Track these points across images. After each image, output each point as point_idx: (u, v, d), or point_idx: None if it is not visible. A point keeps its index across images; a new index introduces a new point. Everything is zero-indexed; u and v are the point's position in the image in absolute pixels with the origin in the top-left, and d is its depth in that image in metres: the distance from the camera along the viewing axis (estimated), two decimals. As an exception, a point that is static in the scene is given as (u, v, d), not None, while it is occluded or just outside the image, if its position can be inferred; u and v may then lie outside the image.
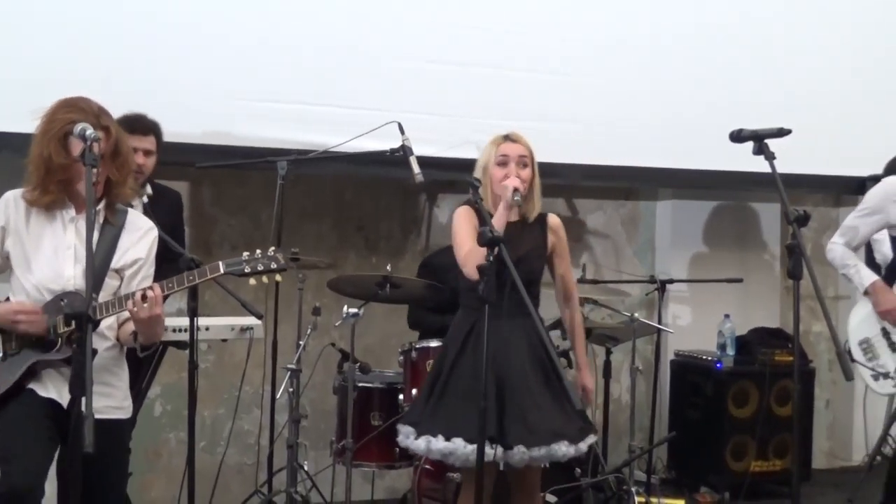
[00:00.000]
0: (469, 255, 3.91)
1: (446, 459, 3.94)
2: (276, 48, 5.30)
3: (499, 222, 3.90)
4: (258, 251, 3.53)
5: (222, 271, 3.46)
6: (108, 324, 3.48)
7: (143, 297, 3.31)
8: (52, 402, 3.39)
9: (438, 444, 3.91)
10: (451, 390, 3.99)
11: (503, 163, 4.08)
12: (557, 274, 4.28)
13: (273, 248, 3.56)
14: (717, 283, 6.42)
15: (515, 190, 3.97)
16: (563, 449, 3.90)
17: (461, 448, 3.85)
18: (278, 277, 3.61)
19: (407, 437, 4.07)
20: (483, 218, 3.86)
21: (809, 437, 6.40)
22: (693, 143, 5.77)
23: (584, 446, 4.01)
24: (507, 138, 4.15)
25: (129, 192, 3.55)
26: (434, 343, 4.83)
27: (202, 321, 4.07)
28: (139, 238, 3.55)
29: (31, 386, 3.40)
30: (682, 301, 6.73)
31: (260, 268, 3.51)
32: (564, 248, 4.26)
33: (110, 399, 3.46)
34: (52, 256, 3.44)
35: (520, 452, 3.84)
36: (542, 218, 4.19)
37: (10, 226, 3.45)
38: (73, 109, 3.36)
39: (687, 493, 6.13)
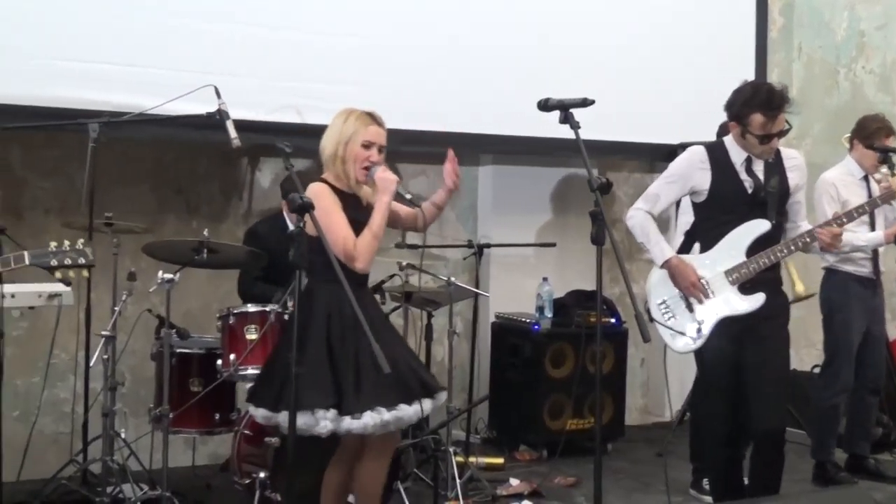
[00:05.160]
0: (368, 246, 3.94)
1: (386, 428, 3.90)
2: (90, 7, 5.17)
3: (381, 212, 3.96)
4: (66, 243, 3.52)
5: (27, 262, 3.44)
6: None
7: None
8: None
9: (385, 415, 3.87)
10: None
11: (368, 146, 4.03)
12: None
13: (81, 241, 3.54)
14: (535, 247, 6.58)
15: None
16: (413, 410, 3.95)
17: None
18: (85, 273, 3.59)
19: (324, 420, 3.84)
20: (297, 186, 3.80)
21: (623, 395, 6.61)
22: (511, 110, 5.84)
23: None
24: (375, 120, 4.07)
25: None
26: (252, 308, 4.80)
27: (7, 288, 3.99)
28: None
29: None
30: (504, 264, 6.85)
31: (67, 261, 3.50)
32: None
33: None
34: None
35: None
36: None
37: None
38: None
39: (506, 451, 6.28)
